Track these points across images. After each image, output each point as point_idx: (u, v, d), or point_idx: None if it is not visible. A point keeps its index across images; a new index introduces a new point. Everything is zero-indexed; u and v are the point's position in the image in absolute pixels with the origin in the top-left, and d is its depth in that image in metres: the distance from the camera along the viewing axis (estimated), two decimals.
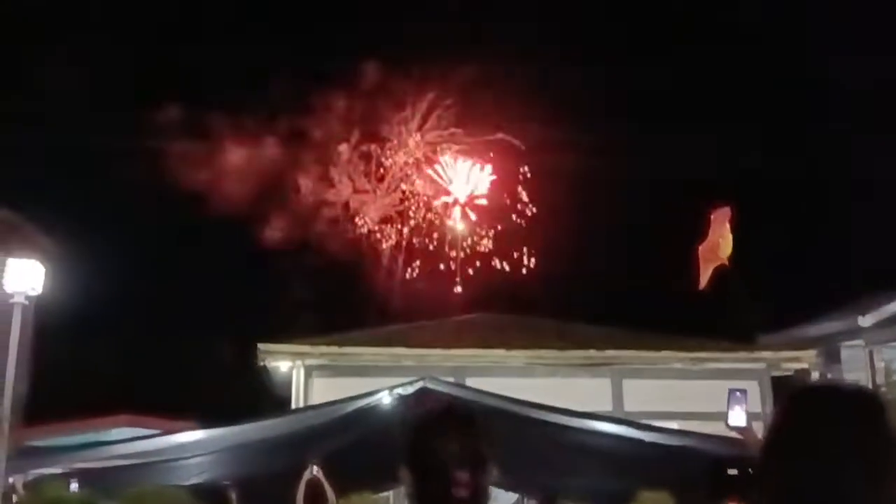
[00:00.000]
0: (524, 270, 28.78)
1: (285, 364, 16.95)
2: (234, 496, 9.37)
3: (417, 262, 29.62)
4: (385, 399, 12.26)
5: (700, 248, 10.16)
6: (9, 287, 8.28)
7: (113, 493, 9.41)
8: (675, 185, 23.92)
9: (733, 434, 4.58)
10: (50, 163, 23.60)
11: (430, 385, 12.21)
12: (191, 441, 10.99)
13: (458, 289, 28.92)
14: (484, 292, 25.66)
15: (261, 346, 16.59)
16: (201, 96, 24.90)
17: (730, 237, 9.91)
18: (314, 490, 9.47)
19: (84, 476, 9.66)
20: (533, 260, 29.00)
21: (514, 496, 12.77)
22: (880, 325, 17.28)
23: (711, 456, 11.10)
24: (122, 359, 20.84)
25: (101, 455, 10.47)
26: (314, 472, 9.55)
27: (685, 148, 22.46)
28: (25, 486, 9.67)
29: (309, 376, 16.82)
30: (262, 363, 16.91)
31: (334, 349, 16.74)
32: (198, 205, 23.58)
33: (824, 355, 17.50)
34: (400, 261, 30.00)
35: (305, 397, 16.66)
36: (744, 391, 4.43)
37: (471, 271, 29.93)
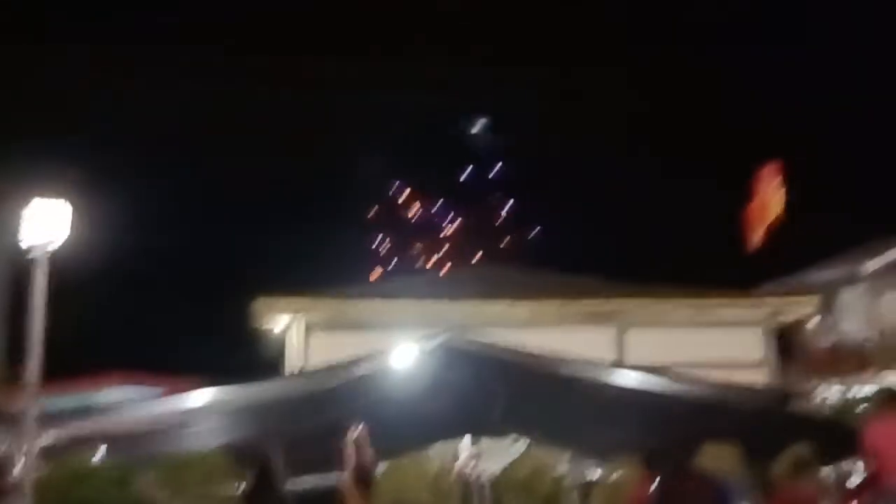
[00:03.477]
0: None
1: (283, 320, 16.30)
2: (275, 458, 8.82)
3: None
4: (406, 354, 11.70)
5: (751, 207, 9.90)
6: (29, 239, 7.48)
7: (143, 461, 8.72)
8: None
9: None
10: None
11: (453, 338, 11.69)
12: (213, 402, 10.29)
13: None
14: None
15: (258, 301, 15.90)
16: None
17: (780, 194, 9.67)
18: (360, 449, 8.95)
19: (107, 442, 8.94)
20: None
21: None
22: (883, 270, 17.33)
23: (753, 407, 10.97)
24: (106, 315, 19.80)
25: (119, 418, 9.72)
26: (358, 431, 9.02)
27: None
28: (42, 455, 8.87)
29: (309, 332, 16.22)
30: (258, 320, 16.24)
31: (336, 304, 16.14)
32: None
33: (823, 302, 17.52)
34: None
35: (305, 354, 16.08)
36: None
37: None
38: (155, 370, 16.10)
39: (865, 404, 12.75)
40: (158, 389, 13.78)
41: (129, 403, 10.53)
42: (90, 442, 8.94)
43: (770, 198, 9.54)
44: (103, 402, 12.61)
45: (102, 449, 8.67)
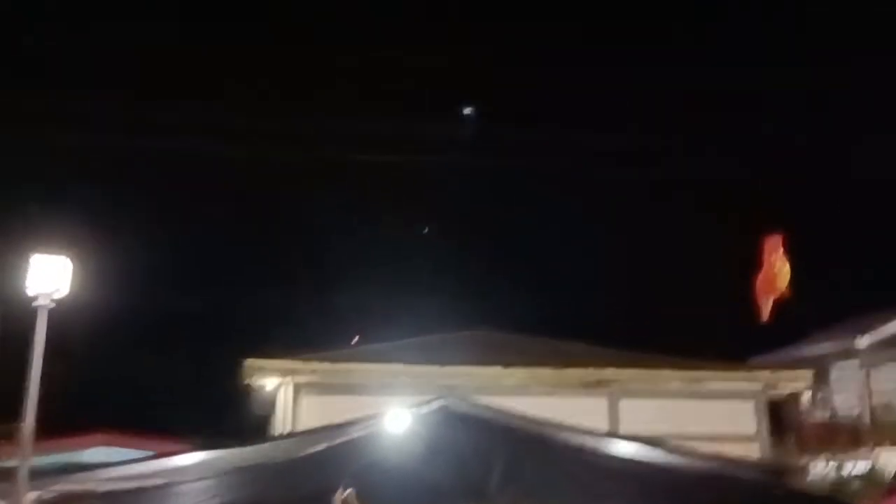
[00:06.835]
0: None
1: (272, 382, 16.08)
2: None
3: None
4: (401, 418, 11.56)
5: (758, 280, 10.01)
6: (32, 288, 7.40)
7: None
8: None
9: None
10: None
11: (450, 403, 11.58)
12: (203, 463, 10.09)
13: None
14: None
15: (247, 362, 15.70)
16: None
17: (787, 266, 9.81)
18: None
19: (98, 500, 8.70)
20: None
21: None
22: (877, 345, 17.38)
23: (748, 480, 10.87)
24: (89, 372, 19.41)
25: (109, 477, 9.49)
26: (345, 495, 8.84)
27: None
28: None
29: (297, 394, 15.99)
30: (247, 381, 16.01)
31: (326, 366, 15.94)
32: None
33: (816, 376, 17.50)
34: None
35: (294, 416, 15.83)
36: None
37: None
38: (140, 429, 15.74)
39: (859, 481, 12.66)
40: (144, 451, 13.49)
41: (118, 463, 10.23)
42: (80, 500, 8.70)
43: (777, 270, 9.68)
44: (89, 461, 12.26)
45: None
